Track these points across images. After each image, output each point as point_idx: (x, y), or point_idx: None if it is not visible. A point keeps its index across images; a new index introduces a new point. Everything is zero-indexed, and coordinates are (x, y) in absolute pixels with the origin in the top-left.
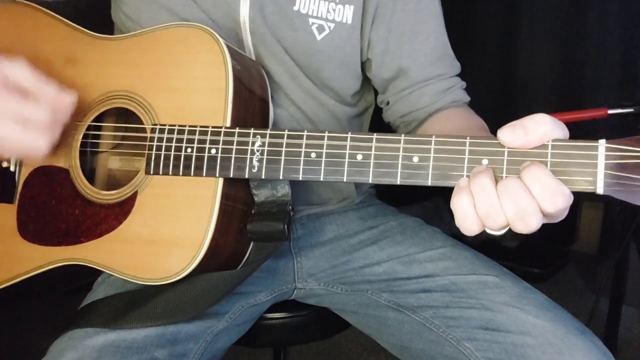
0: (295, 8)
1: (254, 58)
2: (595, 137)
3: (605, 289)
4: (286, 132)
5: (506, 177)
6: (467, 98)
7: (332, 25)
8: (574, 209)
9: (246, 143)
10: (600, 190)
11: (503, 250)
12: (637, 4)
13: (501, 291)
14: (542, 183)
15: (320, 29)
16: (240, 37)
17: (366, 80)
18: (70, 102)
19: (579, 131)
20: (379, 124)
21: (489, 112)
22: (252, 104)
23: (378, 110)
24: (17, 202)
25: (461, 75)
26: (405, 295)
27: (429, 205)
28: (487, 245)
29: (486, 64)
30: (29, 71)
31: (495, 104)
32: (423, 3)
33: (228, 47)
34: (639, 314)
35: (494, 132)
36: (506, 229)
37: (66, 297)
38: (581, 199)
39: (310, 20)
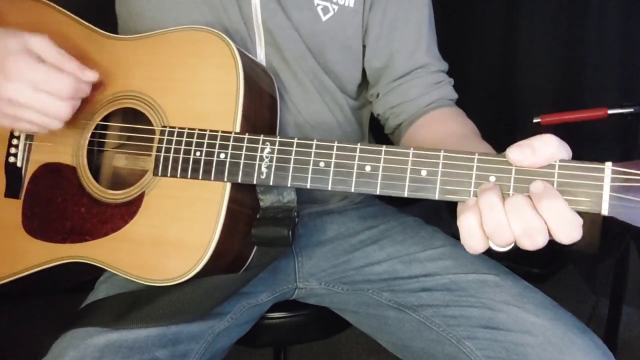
0: None
1: (263, 35)
2: (595, 137)
3: (605, 289)
4: (295, 140)
5: (513, 194)
6: (455, 95)
7: (336, 7)
8: None
9: (255, 149)
10: (604, 211)
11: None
12: (637, 4)
13: (501, 290)
14: (560, 216)
15: (325, 10)
16: (249, 14)
17: (366, 76)
18: (93, 77)
19: (579, 131)
20: (377, 123)
21: (489, 112)
22: (262, 107)
23: None
24: (22, 197)
25: (461, 75)
26: (405, 294)
27: (428, 205)
28: None
29: (486, 63)
30: (51, 44)
31: (495, 104)
32: None
33: (239, 51)
34: (639, 314)
35: (493, 132)
36: (511, 245)
37: (67, 296)
38: None
39: (316, 1)
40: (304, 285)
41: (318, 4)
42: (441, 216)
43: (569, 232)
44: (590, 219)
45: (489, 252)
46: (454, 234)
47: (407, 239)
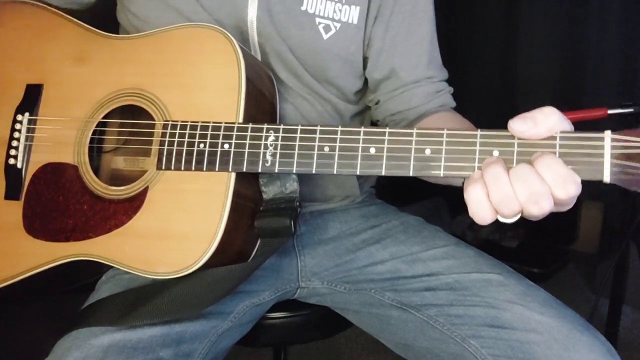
0: (303, 8)
1: (259, 57)
2: None
3: (605, 289)
4: (299, 127)
5: (517, 164)
6: (454, 103)
7: (338, 25)
8: (574, 208)
9: (259, 138)
10: (607, 178)
11: (503, 250)
12: (637, 4)
13: (505, 289)
14: (554, 171)
15: (327, 28)
16: (245, 36)
17: (366, 83)
18: None
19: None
20: None
21: (490, 112)
22: (262, 102)
23: None
24: (23, 198)
25: (462, 76)
26: (408, 293)
27: (428, 205)
28: (487, 245)
29: (486, 64)
30: None
31: (496, 104)
32: (419, 7)
33: (241, 47)
34: (639, 314)
35: None
36: (519, 215)
37: (68, 296)
38: (581, 198)
39: (317, 20)
40: (306, 284)
41: (320, 23)
42: (441, 216)
43: (566, 186)
44: (591, 219)
45: (490, 251)
46: (454, 233)
47: (409, 238)
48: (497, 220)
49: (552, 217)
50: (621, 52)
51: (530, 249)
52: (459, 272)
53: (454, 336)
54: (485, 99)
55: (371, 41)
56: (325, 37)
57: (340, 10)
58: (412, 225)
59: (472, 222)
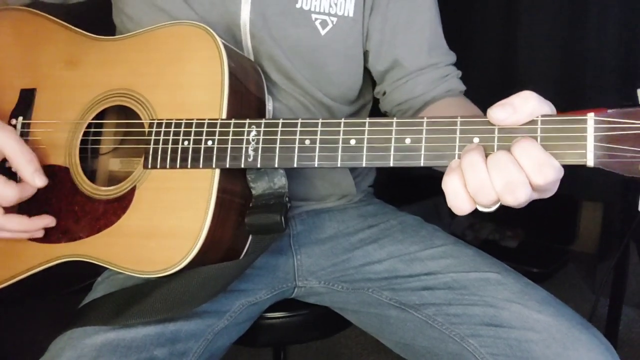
0: (298, 5)
1: (253, 59)
2: None
3: (605, 289)
4: (281, 121)
5: (496, 152)
6: (463, 87)
7: (334, 19)
8: (574, 208)
9: (242, 133)
10: (590, 162)
11: (503, 250)
12: (637, 4)
13: (503, 288)
14: (531, 155)
15: (324, 23)
16: (238, 39)
17: (366, 77)
18: (41, 183)
19: None
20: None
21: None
22: (248, 97)
23: (374, 107)
24: None
25: (461, 76)
26: (407, 293)
27: (427, 204)
28: (487, 245)
29: (486, 63)
30: (13, 143)
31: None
32: None
33: (224, 43)
34: (639, 314)
35: None
36: (497, 204)
37: (68, 297)
38: (581, 199)
39: (313, 16)
40: (303, 283)
41: (316, 19)
42: (440, 216)
43: (543, 170)
44: (591, 219)
45: (489, 251)
46: (454, 233)
47: (407, 237)
48: (496, 220)
49: (552, 217)
50: (621, 52)
51: (530, 249)
52: (457, 271)
53: (453, 335)
54: (485, 99)
55: (370, 33)
56: (323, 32)
57: (335, 4)
58: (410, 225)
59: (472, 222)
